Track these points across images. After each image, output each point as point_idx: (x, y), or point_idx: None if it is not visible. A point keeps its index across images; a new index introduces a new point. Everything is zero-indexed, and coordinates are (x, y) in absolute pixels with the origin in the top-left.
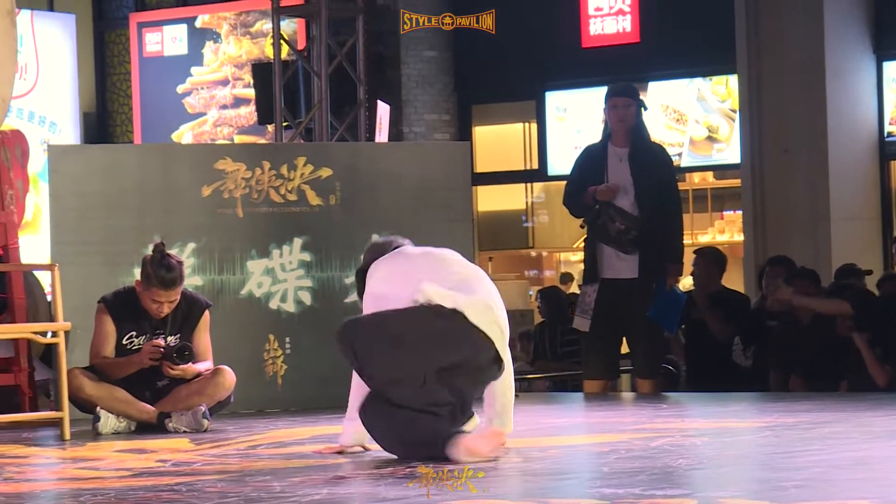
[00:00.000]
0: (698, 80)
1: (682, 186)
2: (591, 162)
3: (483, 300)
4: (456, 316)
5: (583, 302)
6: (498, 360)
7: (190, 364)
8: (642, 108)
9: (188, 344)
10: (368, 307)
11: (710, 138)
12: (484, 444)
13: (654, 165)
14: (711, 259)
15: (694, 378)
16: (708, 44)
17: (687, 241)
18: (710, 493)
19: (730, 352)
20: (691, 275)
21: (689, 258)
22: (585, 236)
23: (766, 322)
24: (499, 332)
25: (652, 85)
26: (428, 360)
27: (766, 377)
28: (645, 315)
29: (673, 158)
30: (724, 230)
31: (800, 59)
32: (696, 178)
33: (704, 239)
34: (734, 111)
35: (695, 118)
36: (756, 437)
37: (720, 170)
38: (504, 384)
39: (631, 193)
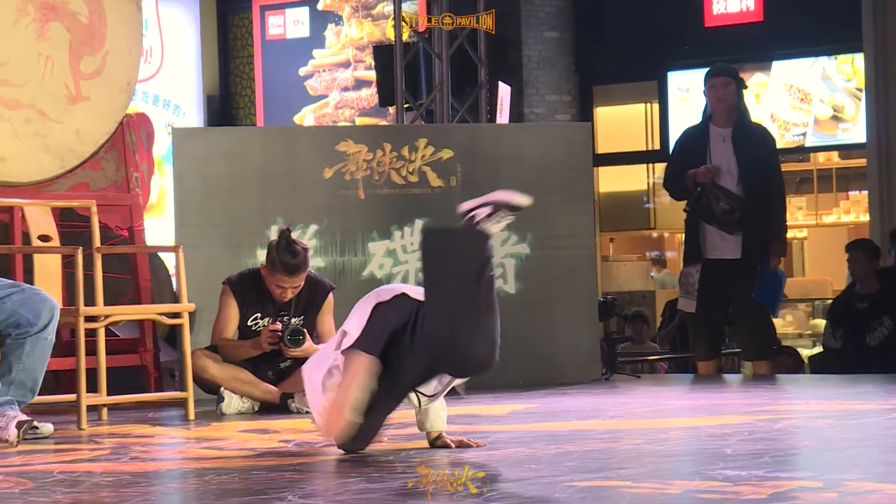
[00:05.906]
0: (823, 59)
1: (806, 166)
2: (693, 144)
3: None
4: None
5: (686, 283)
6: None
7: (307, 346)
8: (742, 88)
9: (301, 328)
10: None
11: (836, 118)
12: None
13: (756, 145)
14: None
15: None
16: (833, 22)
17: (811, 221)
18: (835, 476)
19: None
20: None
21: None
22: (686, 217)
23: (856, 305)
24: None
25: (776, 64)
26: None
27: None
28: (750, 296)
29: (797, 138)
30: (849, 210)
31: None
32: (821, 157)
33: (829, 219)
34: (860, 90)
35: (819, 97)
36: (882, 420)
37: (845, 149)
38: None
39: (735, 173)
